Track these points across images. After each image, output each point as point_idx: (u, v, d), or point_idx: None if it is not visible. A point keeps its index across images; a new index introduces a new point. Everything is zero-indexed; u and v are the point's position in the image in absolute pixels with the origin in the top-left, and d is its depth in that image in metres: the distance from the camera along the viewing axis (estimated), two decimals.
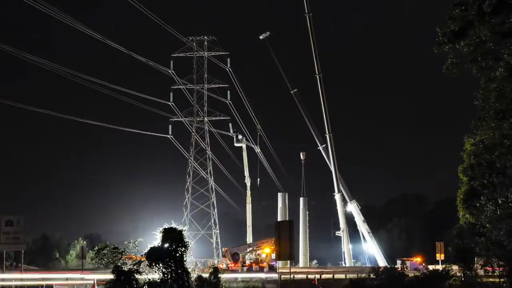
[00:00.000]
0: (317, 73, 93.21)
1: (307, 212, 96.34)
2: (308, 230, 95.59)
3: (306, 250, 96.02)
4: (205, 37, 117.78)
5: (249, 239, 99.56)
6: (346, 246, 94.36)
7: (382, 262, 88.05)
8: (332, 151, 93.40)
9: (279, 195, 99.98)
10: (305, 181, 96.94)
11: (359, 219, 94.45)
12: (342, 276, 65.57)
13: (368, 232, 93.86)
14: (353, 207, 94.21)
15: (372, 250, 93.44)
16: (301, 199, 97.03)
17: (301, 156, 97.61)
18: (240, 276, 66.29)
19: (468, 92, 36.67)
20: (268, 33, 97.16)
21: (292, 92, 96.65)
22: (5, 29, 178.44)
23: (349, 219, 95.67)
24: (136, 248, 44.30)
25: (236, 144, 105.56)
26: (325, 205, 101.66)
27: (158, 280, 39.06)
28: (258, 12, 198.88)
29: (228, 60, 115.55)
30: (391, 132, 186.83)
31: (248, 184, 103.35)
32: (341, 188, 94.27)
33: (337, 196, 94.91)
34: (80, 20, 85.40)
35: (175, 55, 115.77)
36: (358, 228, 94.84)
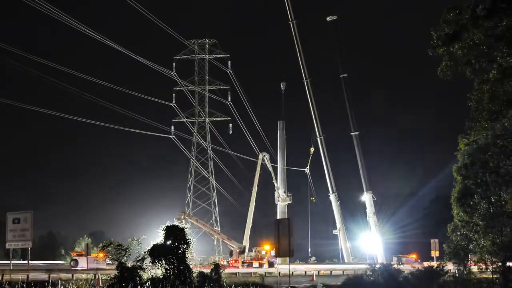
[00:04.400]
0: (304, 78, 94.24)
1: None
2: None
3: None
4: (207, 40, 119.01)
5: (247, 237, 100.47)
6: (344, 244, 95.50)
7: (381, 258, 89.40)
8: (324, 153, 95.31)
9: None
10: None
11: (370, 210, 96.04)
12: (339, 272, 66.75)
13: (376, 225, 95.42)
14: (367, 198, 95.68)
15: (374, 243, 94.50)
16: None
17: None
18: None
19: (462, 93, 37.41)
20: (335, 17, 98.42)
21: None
22: (4, 29, 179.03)
23: (356, 210, 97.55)
24: (140, 245, 45.02)
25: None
26: (325, 203, 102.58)
27: (161, 276, 39.68)
28: (258, 14, 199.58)
29: (229, 62, 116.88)
30: (386, 132, 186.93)
31: (255, 191, 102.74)
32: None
33: (332, 197, 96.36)
34: (81, 21, 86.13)
35: (177, 57, 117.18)
36: (367, 219, 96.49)
